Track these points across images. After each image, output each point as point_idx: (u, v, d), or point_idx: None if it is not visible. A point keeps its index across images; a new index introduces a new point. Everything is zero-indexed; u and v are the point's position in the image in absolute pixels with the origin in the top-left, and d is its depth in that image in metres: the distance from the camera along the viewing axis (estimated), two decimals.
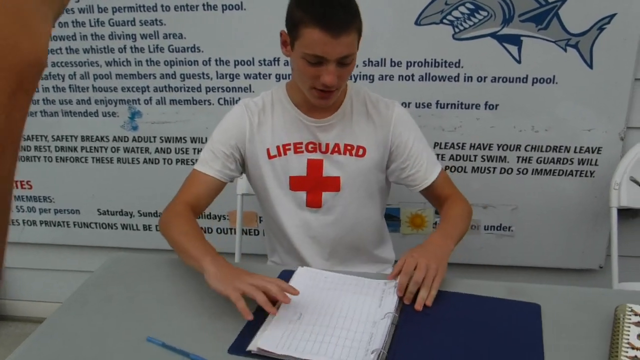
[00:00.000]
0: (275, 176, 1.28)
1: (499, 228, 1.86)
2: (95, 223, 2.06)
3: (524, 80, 1.67)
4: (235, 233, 1.72)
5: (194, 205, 1.24)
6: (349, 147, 1.27)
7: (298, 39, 1.11)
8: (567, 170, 1.75)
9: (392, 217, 1.90)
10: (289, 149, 1.26)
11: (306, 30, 1.09)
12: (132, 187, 1.97)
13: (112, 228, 2.06)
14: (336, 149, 1.27)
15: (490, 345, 0.96)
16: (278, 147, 1.26)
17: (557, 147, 1.73)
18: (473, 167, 1.80)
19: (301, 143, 1.26)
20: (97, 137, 1.93)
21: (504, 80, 1.67)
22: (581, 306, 1.08)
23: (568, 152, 1.73)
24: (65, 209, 2.05)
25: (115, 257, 1.30)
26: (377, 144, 1.28)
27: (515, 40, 1.63)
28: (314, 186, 1.28)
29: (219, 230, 2.01)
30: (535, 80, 1.66)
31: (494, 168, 1.79)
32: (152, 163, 1.94)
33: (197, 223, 1.21)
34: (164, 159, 1.93)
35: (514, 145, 1.75)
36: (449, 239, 1.18)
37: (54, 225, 2.08)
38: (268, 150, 1.26)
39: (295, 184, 1.28)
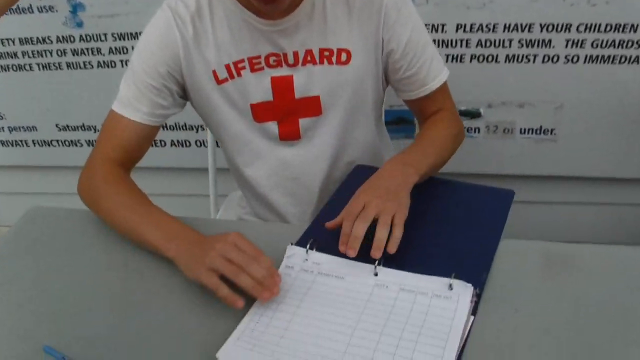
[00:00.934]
0: (231, 106, 0.98)
1: (538, 131, 1.60)
2: (57, 140, 1.82)
3: None
4: (217, 145, 1.43)
5: (123, 160, 0.96)
6: (326, 53, 0.94)
7: None
8: (630, 57, 1.44)
9: (405, 121, 1.64)
10: (244, 68, 0.94)
11: None
12: (90, 97, 1.69)
13: (75, 145, 1.82)
14: (309, 58, 0.94)
15: (455, 221, 0.88)
16: (228, 67, 0.94)
17: (619, 25, 1.40)
18: (507, 56, 1.49)
19: (259, 57, 0.93)
20: (37, 38, 1.61)
21: None
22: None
23: (635, 31, 1.40)
24: (20, 126, 1.80)
25: (34, 213, 1.00)
26: (365, 42, 0.95)
27: None
28: (286, 113, 0.98)
29: (198, 143, 1.76)
30: None
31: (535, 56, 1.47)
32: (108, 67, 1.64)
33: (137, 187, 0.93)
34: (121, 61, 1.62)
35: (563, 24, 1.42)
36: (410, 168, 0.89)
37: (11, 145, 1.84)
38: (214, 72, 0.94)
39: (261, 113, 0.98)
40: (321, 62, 0.95)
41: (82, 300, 0.80)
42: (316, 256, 0.81)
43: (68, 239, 0.93)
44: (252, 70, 0.94)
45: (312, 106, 0.98)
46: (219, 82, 0.95)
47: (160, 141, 1.76)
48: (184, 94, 0.99)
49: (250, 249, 0.75)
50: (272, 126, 0.99)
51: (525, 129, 1.60)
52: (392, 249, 0.77)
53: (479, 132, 1.61)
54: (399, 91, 1.04)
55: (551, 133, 1.59)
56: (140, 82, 0.93)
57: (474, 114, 1.58)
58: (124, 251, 0.88)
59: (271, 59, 0.94)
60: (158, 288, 0.81)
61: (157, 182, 1.81)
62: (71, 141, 1.80)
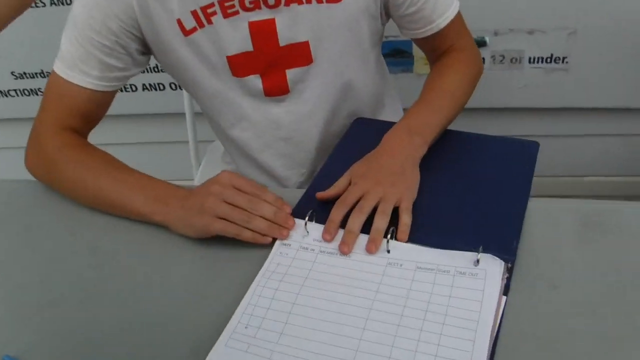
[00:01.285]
0: (203, 61, 0.84)
1: (549, 60, 1.50)
2: (14, 90, 1.66)
3: None
4: None
5: (77, 126, 0.84)
6: None
7: None
8: None
9: (402, 53, 1.53)
10: (214, 13, 0.80)
11: None
12: (46, 39, 1.46)
13: (35, 94, 1.66)
14: None
15: (474, 182, 0.78)
16: (195, 13, 0.80)
17: None
18: None
19: None
20: None
21: None
22: None
23: None
24: None
25: None
26: None
27: None
28: (269, 64, 0.85)
29: (173, 86, 1.61)
30: None
31: None
32: (63, 4, 1.47)
33: (101, 151, 0.82)
34: None
35: None
36: (417, 137, 0.80)
37: None
38: (179, 22, 0.80)
39: (240, 66, 0.85)
40: (308, 1, 0.81)
41: (47, 295, 0.69)
42: (317, 230, 0.70)
43: (27, 219, 0.81)
44: (225, 15, 0.80)
45: (300, 54, 0.85)
46: (186, 32, 0.81)
47: (131, 85, 1.61)
48: (147, 51, 0.85)
49: (250, 187, 0.72)
50: (255, 80, 0.86)
51: (534, 58, 1.51)
52: (403, 237, 0.68)
53: (484, 62, 1.50)
54: (403, 29, 0.91)
55: (563, 62, 1.50)
56: (86, 39, 0.78)
57: (478, 43, 1.46)
58: (93, 232, 0.77)
59: (247, 1, 0.79)
60: (134, 276, 0.70)
61: (130, 130, 1.69)
62: (30, 90, 1.65)
